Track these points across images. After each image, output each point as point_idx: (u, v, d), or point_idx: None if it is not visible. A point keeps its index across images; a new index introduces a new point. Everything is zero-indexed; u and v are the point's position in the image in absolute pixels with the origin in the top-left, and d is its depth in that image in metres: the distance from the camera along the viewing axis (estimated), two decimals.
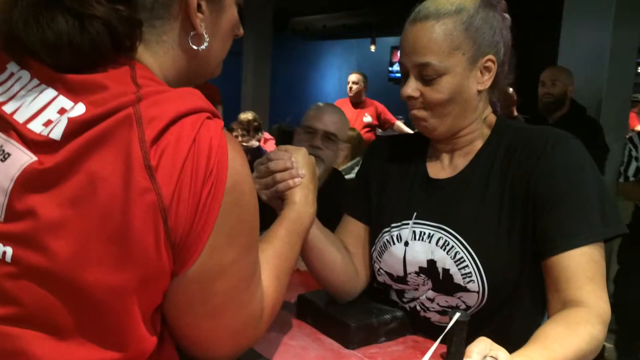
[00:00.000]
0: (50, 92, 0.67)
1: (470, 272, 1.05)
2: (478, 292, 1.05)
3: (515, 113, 4.23)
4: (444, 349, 0.83)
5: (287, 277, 0.91)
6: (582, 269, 0.96)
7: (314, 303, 1.16)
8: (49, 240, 0.62)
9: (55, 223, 0.62)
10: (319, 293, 1.19)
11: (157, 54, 0.74)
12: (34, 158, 0.64)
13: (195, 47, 0.76)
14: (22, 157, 0.64)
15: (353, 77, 5.43)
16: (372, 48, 8.98)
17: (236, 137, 5.12)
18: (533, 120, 3.48)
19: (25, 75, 0.69)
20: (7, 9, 0.66)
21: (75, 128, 0.63)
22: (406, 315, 1.15)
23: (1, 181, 0.64)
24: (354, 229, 1.25)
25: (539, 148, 1.04)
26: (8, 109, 0.67)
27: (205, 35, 0.76)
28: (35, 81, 0.69)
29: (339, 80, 5.91)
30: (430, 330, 1.11)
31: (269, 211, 1.02)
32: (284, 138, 6.54)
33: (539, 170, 1.02)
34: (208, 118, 0.68)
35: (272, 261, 0.88)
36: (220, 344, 0.78)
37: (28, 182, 0.63)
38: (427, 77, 1.06)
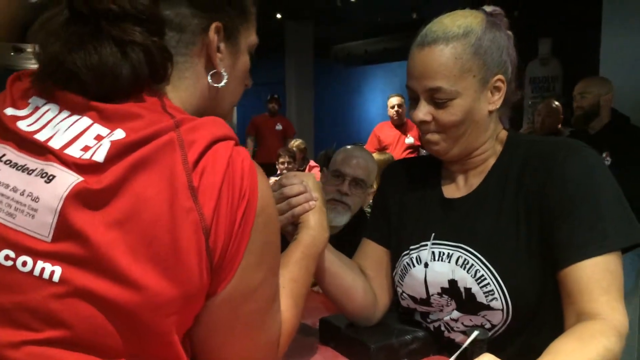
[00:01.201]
0: (84, 121, 0.69)
1: (493, 290, 1.04)
2: (502, 310, 1.04)
3: (559, 126, 4.13)
4: None
5: (303, 302, 0.92)
6: (596, 280, 0.94)
7: (335, 326, 1.17)
8: (99, 260, 0.63)
9: (105, 243, 0.63)
10: (341, 316, 1.19)
11: (178, 89, 0.78)
12: (81, 178, 0.65)
13: (215, 85, 0.80)
14: (68, 178, 0.65)
15: (395, 100, 5.33)
16: None
17: (282, 163, 5.18)
18: (575, 134, 3.39)
19: (54, 107, 0.71)
20: (50, 41, 0.70)
21: (118, 150, 0.66)
22: (429, 335, 1.14)
23: (49, 201, 0.65)
24: (372, 253, 1.25)
25: (551, 160, 1.03)
26: (41, 137, 0.69)
27: (224, 73, 0.80)
28: (66, 112, 0.71)
29: (382, 104, 5.88)
30: (454, 351, 1.09)
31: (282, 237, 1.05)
32: None
33: (551, 181, 1.01)
34: (235, 145, 0.72)
35: (288, 285, 0.90)
36: None
37: (78, 200, 0.64)
38: (439, 100, 1.06)
